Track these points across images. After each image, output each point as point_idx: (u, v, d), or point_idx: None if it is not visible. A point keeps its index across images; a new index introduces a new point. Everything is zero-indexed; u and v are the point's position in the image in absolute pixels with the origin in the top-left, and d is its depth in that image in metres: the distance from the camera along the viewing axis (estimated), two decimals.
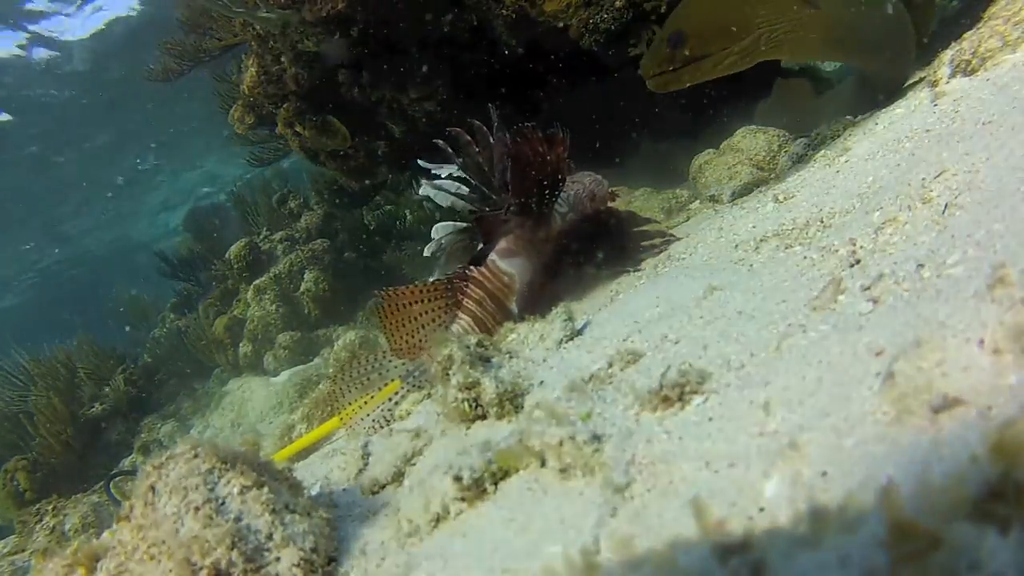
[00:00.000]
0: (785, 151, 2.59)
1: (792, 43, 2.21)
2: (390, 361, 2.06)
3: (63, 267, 19.38)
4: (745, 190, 2.47)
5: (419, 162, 2.13)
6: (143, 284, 10.41)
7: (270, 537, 0.97)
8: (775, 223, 1.70)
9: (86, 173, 14.32)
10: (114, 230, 18.37)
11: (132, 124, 13.18)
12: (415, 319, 1.92)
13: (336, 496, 1.25)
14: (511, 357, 1.55)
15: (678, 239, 2.13)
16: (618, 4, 2.92)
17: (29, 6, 10.39)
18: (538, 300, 2.01)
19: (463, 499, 1.02)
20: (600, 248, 2.09)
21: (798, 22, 2.17)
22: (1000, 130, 1.40)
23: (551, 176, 1.90)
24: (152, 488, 1.00)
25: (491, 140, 1.99)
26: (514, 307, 1.99)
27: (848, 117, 2.31)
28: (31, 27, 10.70)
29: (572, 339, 1.59)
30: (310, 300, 6.33)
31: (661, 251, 2.07)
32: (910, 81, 2.43)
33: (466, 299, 1.98)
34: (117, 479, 4.97)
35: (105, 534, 1.06)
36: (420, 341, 1.92)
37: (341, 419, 2.12)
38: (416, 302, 1.93)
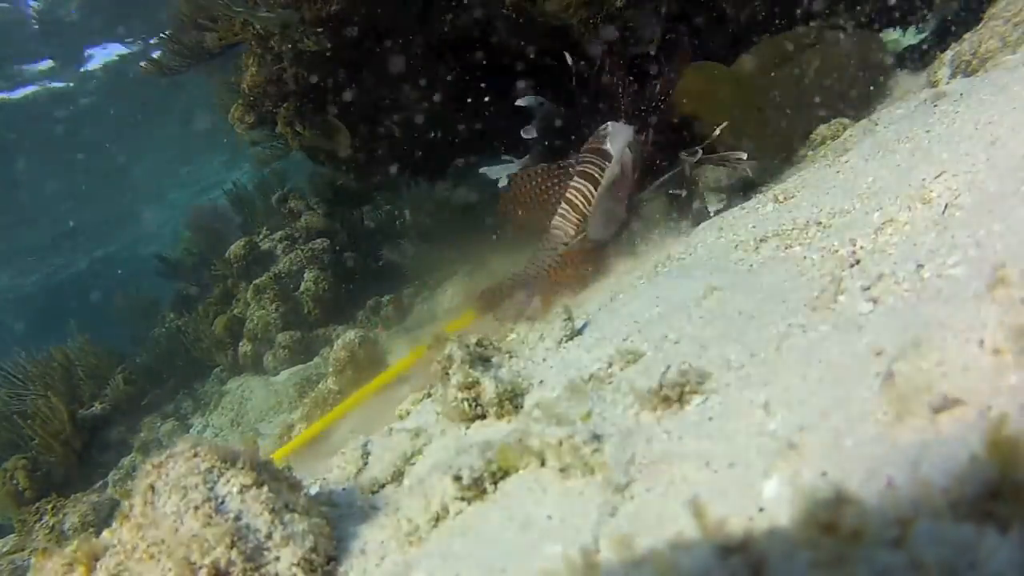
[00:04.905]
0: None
1: None
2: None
3: (63, 266, 19.37)
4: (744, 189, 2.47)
5: (483, 170, 2.61)
6: (143, 283, 10.40)
7: (270, 536, 0.97)
8: (775, 223, 1.70)
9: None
10: (116, 229, 18.37)
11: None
12: (538, 195, 2.34)
13: (335, 495, 1.25)
14: (511, 357, 1.55)
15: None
16: (618, 4, 2.92)
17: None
18: (635, 189, 2.33)
19: (463, 498, 1.02)
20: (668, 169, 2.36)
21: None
22: (1000, 130, 1.39)
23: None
24: (152, 487, 1.00)
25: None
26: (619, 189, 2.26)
27: (844, 119, 2.30)
28: None
29: (572, 339, 1.59)
30: (310, 300, 6.33)
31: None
32: (908, 84, 2.43)
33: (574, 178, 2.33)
34: (115, 481, 4.97)
35: (105, 533, 1.06)
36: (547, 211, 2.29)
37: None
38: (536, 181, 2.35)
